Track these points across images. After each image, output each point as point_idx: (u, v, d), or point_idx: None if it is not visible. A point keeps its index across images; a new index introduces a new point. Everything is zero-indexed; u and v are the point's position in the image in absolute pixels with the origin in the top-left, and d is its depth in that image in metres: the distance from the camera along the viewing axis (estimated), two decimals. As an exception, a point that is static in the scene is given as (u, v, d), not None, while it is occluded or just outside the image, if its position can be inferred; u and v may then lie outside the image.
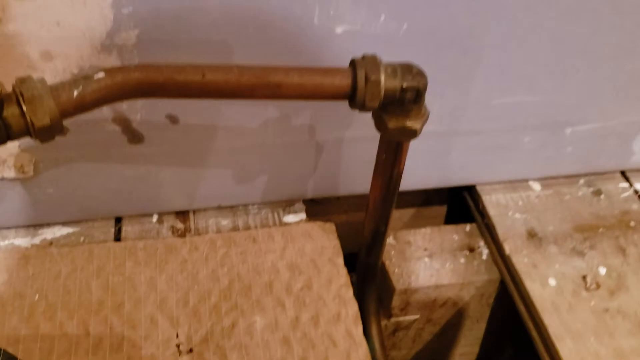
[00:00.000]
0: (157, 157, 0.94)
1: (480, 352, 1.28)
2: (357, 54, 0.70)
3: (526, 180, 1.16)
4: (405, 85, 0.68)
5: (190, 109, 0.89)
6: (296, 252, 0.99)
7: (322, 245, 1.01)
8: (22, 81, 0.60)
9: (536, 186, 1.16)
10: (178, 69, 0.66)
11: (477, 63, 0.93)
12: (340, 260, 0.99)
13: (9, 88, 0.60)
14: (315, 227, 1.04)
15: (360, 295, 0.99)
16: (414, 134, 0.73)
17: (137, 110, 0.87)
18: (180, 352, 0.86)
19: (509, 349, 1.30)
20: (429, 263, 1.08)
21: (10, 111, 0.59)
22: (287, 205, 1.09)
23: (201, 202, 1.04)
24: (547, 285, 0.99)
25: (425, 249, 1.10)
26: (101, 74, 0.63)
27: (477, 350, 1.28)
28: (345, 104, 0.71)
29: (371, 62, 0.68)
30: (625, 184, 1.17)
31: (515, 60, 0.94)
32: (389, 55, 0.70)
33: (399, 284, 1.05)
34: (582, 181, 1.17)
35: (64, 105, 0.61)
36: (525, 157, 1.11)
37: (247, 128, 0.94)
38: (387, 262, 1.07)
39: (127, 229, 1.03)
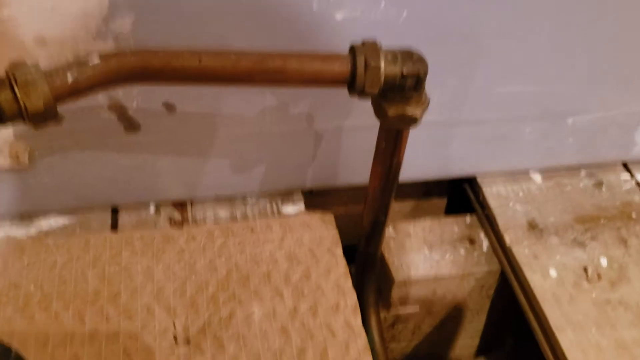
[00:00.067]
0: (153, 145, 0.93)
1: (481, 344, 1.27)
2: (357, 41, 0.69)
3: (527, 171, 1.15)
4: (405, 71, 0.67)
5: (187, 97, 0.88)
6: (295, 242, 0.98)
7: (321, 235, 1.00)
8: (15, 66, 0.59)
9: (537, 177, 1.15)
10: (174, 54, 0.65)
11: (477, 52, 0.92)
12: (339, 251, 0.98)
13: (2, 73, 0.59)
14: (314, 218, 1.03)
15: (359, 286, 0.98)
16: (414, 121, 0.72)
17: (134, 97, 0.86)
18: (177, 343, 0.85)
19: (510, 340, 1.29)
20: (428, 254, 1.07)
21: (4, 95, 0.58)
22: (286, 195, 1.08)
23: (199, 191, 1.03)
24: (548, 276, 0.98)
25: (425, 241, 1.09)
26: (96, 59, 0.62)
27: (478, 342, 1.27)
28: (344, 92, 0.70)
29: (371, 47, 0.67)
30: (626, 175, 1.16)
31: (517, 49, 0.93)
32: (389, 43, 0.69)
33: (398, 275, 1.04)
34: (583, 172, 1.16)
35: (58, 90, 0.60)
36: (526, 148, 1.10)
37: (245, 116, 0.93)
38: (386, 254, 1.06)
39: (123, 219, 1.02)
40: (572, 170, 1.16)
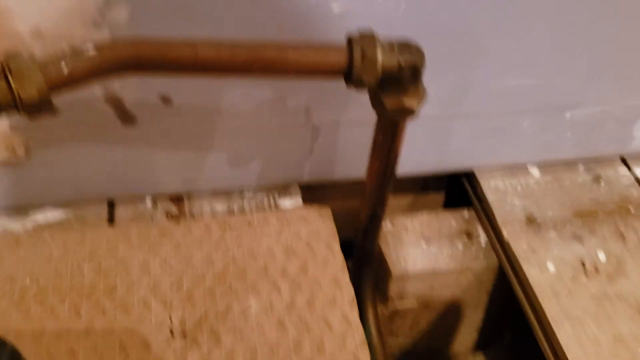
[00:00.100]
0: (150, 138, 0.93)
1: (479, 338, 1.27)
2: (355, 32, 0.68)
3: (525, 166, 1.15)
4: (402, 62, 0.67)
5: (184, 90, 0.87)
6: (292, 236, 0.98)
7: (318, 229, 0.99)
8: (10, 56, 0.59)
9: (535, 172, 1.15)
10: (170, 44, 0.64)
11: (476, 45, 0.91)
12: (336, 244, 0.98)
13: (-4, 63, 0.58)
14: (311, 212, 1.02)
15: (356, 281, 0.98)
16: (411, 112, 0.72)
17: (130, 90, 0.85)
18: (173, 336, 0.85)
19: (508, 335, 1.29)
20: (426, 249, 1.07)
21: (-2, 85, 0.58)
22: (283, 189, 1.07)
23: (196, 185, 1.03)
24: (546, 270, 0.98)
25: (423, 235, 1.08)
26: (91, 49, 0.62)
27: (476, 337, 1.27)
28: (342, 85, 0.69)
29: (368, 38, 0.67)
30: (625, 170, 1.16)
31: (515, 43, 0.92)
32: (386, 36, 0.69)
33: (395, 269, 1.04)
34: (581, 167, 1.16)
35: (52, 79, 0.60)
36: (524, 141, 1.09)
37: (242, 110, 0.92)
38: (384, 248, 1.06)
39: (120, 212, 1.01)
40: (570, 164, 1.16)
